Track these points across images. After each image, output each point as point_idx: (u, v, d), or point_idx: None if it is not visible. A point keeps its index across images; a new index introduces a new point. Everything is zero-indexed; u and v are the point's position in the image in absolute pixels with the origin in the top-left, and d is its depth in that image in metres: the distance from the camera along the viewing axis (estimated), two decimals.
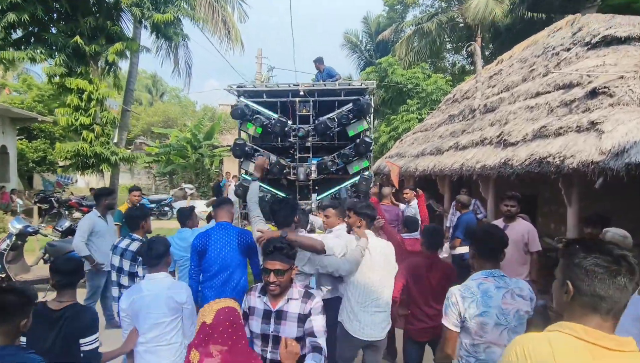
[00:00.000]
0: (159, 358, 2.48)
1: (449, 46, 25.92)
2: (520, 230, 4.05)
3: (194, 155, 22.60)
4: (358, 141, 5.96)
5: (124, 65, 13.47)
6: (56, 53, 10.00)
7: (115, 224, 5.06)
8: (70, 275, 2.35)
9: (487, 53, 21.27)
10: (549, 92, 6.27)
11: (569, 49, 6.90)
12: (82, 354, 2.24)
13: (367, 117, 6.20)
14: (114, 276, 3.56)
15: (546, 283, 3.79)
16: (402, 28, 20.17)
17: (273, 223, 3.12)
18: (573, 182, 4.89)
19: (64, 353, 2.21)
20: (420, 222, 5.07)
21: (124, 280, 3.46)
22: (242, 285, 3.22)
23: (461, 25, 20.90)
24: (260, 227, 2.96)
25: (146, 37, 17.23)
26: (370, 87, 6.30)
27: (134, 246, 3.42)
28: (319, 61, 8.02)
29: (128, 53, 12.63)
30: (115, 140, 11.02)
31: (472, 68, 19.75)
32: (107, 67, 11.51)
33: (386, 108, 22.33)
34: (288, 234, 2.62)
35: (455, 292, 2.06)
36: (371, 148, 6.16)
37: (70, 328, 2.23)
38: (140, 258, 3.26)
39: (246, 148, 6.21)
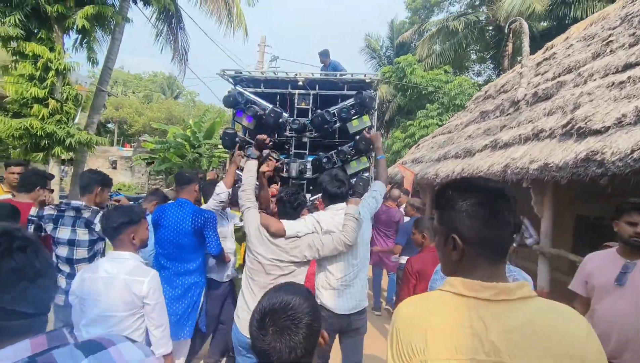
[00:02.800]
0: None
1: (474, 57, 24.10)
2: None
3: (192, 154, 20.96)
4: (358, 138, 5.38)
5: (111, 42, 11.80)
6: (12, 11, 8.35)
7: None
8: None
9: (518, 58, 19.23)
10: None
11: None
12: None
13: (371, 113, 5.65)
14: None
15: None
16: (425, 29, 18.26)
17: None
18: None
19: None
20: None
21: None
22: (198, 267, 3.08)
23: (490, 28, 19.00)
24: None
25: (144, 20, 15.75)
26: (375, 81, 5.75)
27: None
28: (324, 55, 7.51)
29: (112, 25, 11.04)
30: (77, 120, 9.26)
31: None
32: (79, 36, 9.84)
33: (402, 117, 20.41)
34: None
35: None
36: (371, 146, 5.36)
37: None
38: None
39: (237, 139, 5.58)
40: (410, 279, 2.77)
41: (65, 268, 2.79)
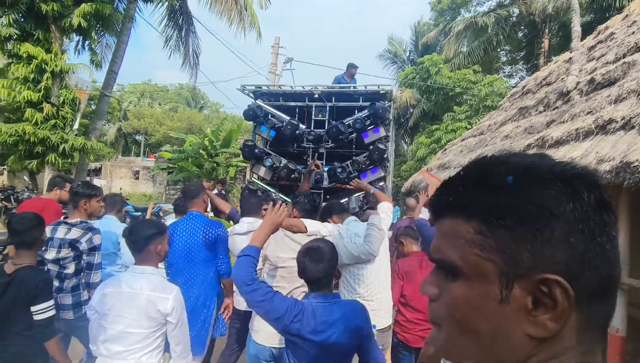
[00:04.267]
0: None
1: (503, 59, 22.60)
2: None
3: (209, 163, 20.49)
4: (372, 148, 5.62)
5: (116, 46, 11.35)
6: (6, 10, 7.91)
7: None
8: (22, 233, 2.11)
9: (553, 57, 17.67)
10: None
11: None
12: (33, 324, 2.03)
13: (385, 124, 5.83)
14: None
15: None
16: (452, 28, 17.05)
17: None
18: None
19: (15, 321, 2.01)
20: None
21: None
22: (209, 281, 2.99)
23: (522, 26, 17.58)
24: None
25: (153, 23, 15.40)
26: (389, 92, 6.00)
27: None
28: (353, 67, 7.40)
29: (117, 27, 10.60)
30: (76, 127, 8.70)
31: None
32: (80, 38, 9.38)
33: (427, 122, 19.15)
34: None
35: None
36: (385, 155, 5.73)
37: (18, 293, 2.02)
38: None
39: (256, 150, 6.00)
40: (398, 280, 2.95)
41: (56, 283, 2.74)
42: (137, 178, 33.85)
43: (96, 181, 31.13)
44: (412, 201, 5.40)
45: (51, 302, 2.08)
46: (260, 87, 6.48)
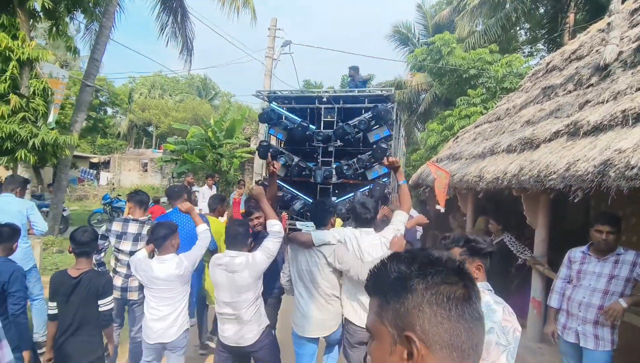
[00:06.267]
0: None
1: (522, 38, 21.01)
2: None
3: (213, 155, 19.76)
4: (375, 147, 6.08)
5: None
6: None
7: None
8: (84, 244, 2.64)
9: (578, 35, 16.14)
10: None
11: None
12: (99, 315, 2.61)
13: (389, 125, 6.37)
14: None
15: None
16: (467, 4, 15.66)
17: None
18: None
19: (85, 313, 2.55)
20: None
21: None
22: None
23: (546, 0, 16.06)
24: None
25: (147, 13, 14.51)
26: (392, 95, 6.44)
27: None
28: (354, 70, 8.24)
29: (96, 10, 9.84)
30: (51, 120, 7.99)
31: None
32: (54, 23, 8.61)
33: (439, 107, 17.90)
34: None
35: None
36: (387, 154, 5.95)
37: (87, 291, 2.56)
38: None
39: (271, 150, 6.69)
40: None
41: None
42: (146, 170, 33.52)
43: (103, 174, 30.96)
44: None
45: (112, 297, 2.69)
46: (275, 92, 7.29)
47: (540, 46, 20.67)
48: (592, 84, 4.58)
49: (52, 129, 8.07)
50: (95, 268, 3.07)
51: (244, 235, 2.80)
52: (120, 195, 14.51)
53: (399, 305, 0.70)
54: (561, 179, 3.34)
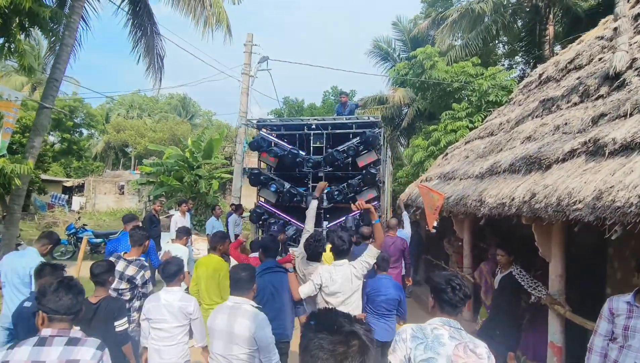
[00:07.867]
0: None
1: (500, 52, 21.11)
2: None
3: (190, 176, 18.84)
4: (364, 172, 6.31)
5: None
6: None
7: None
8: (98, 275, 3.11)
9: (557, 47, 16.11)
10: None
11: None
12: (116, 335, 2.99)
13: (376, 149, 6.56)
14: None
15: None
16: (446, 17, 15.51)
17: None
18: None
19: (104, 334, 2.77)
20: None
21: None
22: None
23: (523, 14, 16.07)
24: (294, 250, 4.32)
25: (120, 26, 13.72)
26: (379, 121, 6.74)
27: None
28: (345, 94, 8.88)
29: (55, 28, 9.08)
30: None
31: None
32: (6, 40, 7.79)
33: (423, 122, 17.58)
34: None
35: (407, 329, 1.92)
36: (376, 178, 6.35)
37: (105, 314, 3.00)
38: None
39: (262, 177, 6.91)
40: None
41: None
42: (122, 193, 32.10)
43: (76, 199, 29.45)
44: (394, 220, 6.13)
45: (126, 319, 3.15)
46: (264, 120, 7.68)
47: (518, 58, 20.79)
48: (602, 95, 4.08)
49: (1, 156, 7.19)
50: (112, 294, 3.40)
51: (246, 280, 2.79)
52: (86, 225, 13.43)
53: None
54: (590, 210, 2.74)
